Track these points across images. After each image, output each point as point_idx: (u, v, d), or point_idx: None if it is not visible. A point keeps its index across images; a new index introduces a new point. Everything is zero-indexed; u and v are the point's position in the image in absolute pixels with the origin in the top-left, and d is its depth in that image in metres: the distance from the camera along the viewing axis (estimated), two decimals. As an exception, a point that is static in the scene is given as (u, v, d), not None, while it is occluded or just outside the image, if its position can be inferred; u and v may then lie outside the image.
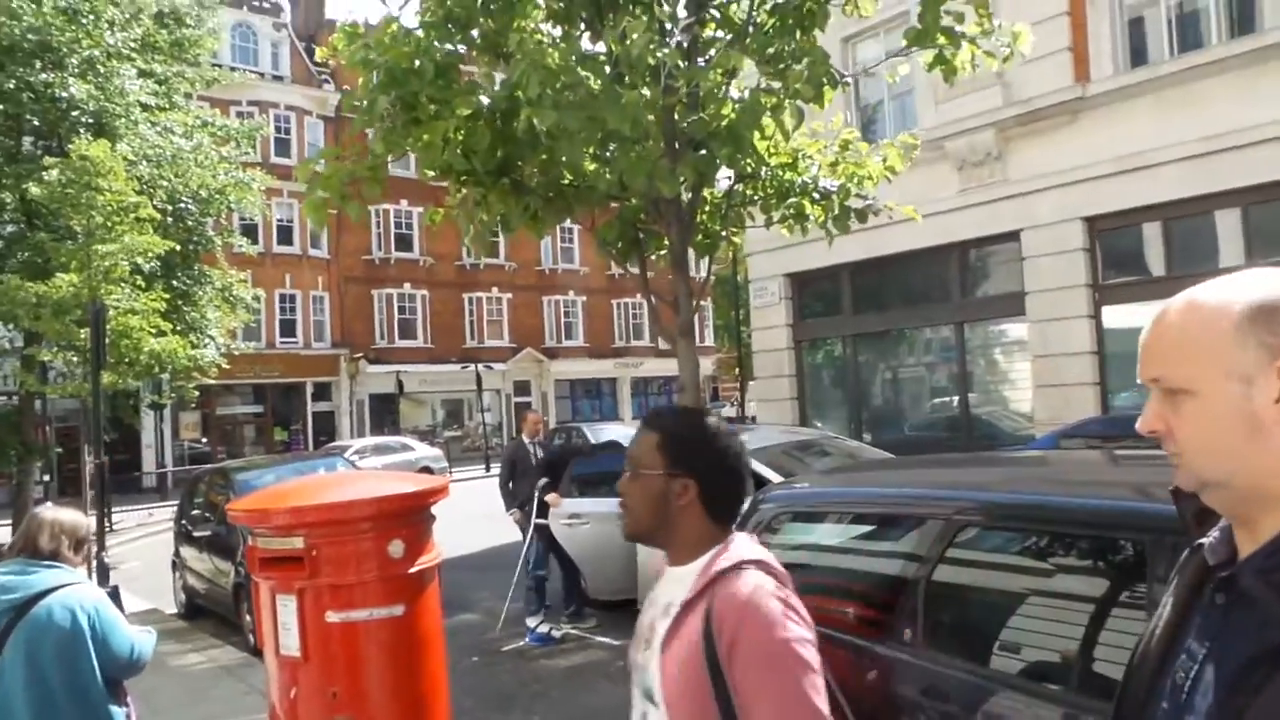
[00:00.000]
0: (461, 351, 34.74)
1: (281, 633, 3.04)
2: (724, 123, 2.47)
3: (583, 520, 7.83)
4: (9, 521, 16.53)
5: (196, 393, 20.53)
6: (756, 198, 2.96)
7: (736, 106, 2.44)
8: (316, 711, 2.99)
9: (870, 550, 3.36)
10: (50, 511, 3.12)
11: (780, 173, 2.94)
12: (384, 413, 33.30)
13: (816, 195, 2.97)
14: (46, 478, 17.40)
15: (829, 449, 8.07)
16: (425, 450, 25.93)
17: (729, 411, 38.17)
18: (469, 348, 35.12)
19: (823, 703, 1.44)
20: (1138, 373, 1.01)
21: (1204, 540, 1.01)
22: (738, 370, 32.27)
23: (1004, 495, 2.88)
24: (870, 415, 14.05)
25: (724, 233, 2.99)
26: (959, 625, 2.87)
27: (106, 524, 11.09)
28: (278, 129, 30.54)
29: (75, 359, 13.17)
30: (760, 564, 1.55)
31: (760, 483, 6.44)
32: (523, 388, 37.19)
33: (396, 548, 3.03)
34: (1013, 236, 11.79)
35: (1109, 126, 10.71)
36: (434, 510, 3.35)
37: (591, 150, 2.31)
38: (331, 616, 2.97)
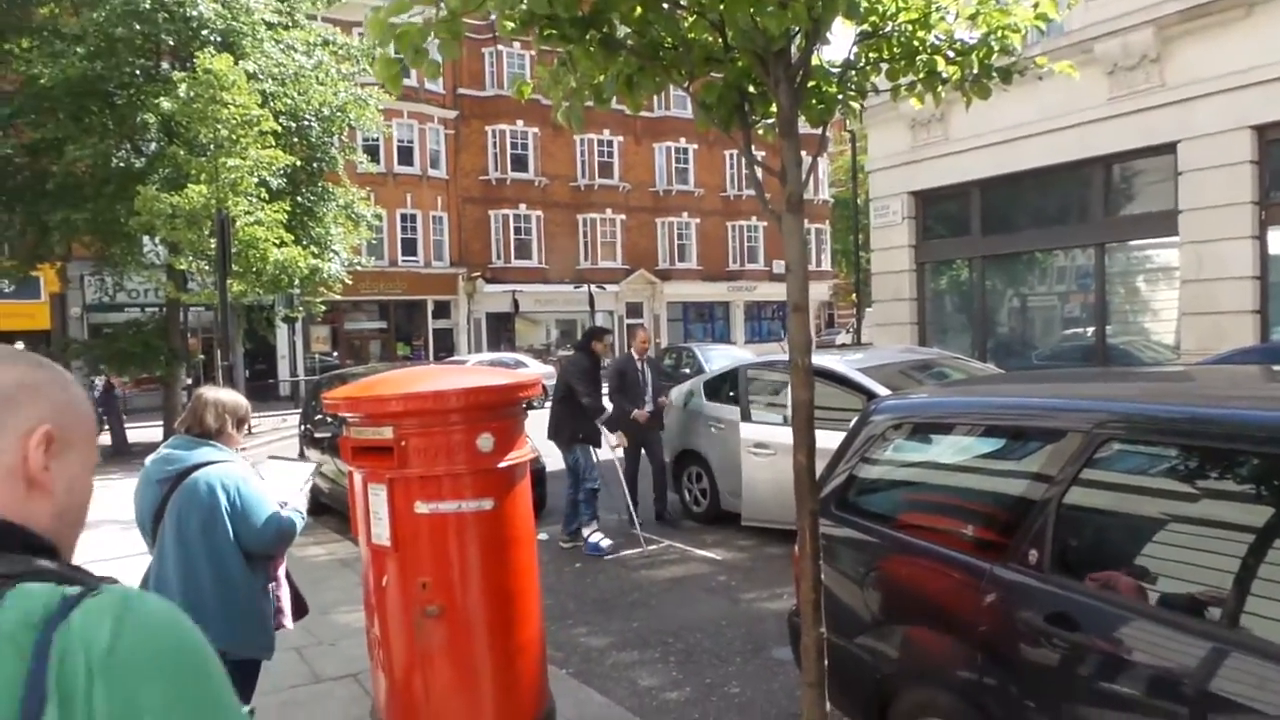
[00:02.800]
0: (575, 272, 34.96)
1: (373, 522, 3.03)
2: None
3: (770, 451, 7.28)
4: (160, 422, 17.82)
5: (324, 308, 21.38)
6: (882, 61, 2.58)
7: None
8: (407, 600, 2.98)
9: (992, 467, 3.07)
10: (212, 392, 3.22)
11: (911, 29, 2.53)
12: (500, 331, 34.07)
13: (951, 53, 2.56)
14: (190, 381, 18.56)
15: (950, 370, 7.61)
16: (539, 368, 26.37)
17: (844, 338, 37.21)
18: (583, 269, 35.30)
19: None
20: None
21: None
22: (854, 296, 31.27)
23: (1158, 407, 2.52)
24: (996, 343, 13.30)
25: (840, 96, 2.63)
26: (1094, 549, 2.58)
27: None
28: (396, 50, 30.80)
29: (208, 267, 13.85)
30: None
31: (872, 399, 6.12)
32: (635, 309, 37.22)
33: (486, 441, 2.94)
34: (1167, 149, 10.69)
35: (1292, 20, 9.46)
36: (524, 408, 3.25)
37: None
38: (420, 507, 2.93)
